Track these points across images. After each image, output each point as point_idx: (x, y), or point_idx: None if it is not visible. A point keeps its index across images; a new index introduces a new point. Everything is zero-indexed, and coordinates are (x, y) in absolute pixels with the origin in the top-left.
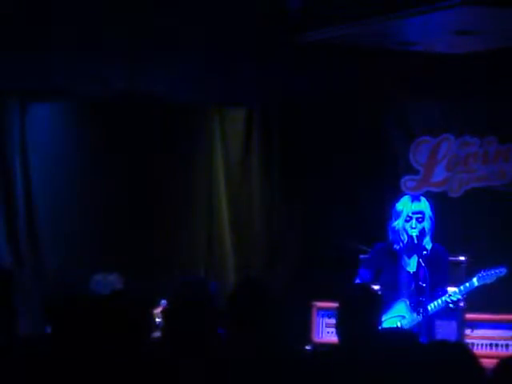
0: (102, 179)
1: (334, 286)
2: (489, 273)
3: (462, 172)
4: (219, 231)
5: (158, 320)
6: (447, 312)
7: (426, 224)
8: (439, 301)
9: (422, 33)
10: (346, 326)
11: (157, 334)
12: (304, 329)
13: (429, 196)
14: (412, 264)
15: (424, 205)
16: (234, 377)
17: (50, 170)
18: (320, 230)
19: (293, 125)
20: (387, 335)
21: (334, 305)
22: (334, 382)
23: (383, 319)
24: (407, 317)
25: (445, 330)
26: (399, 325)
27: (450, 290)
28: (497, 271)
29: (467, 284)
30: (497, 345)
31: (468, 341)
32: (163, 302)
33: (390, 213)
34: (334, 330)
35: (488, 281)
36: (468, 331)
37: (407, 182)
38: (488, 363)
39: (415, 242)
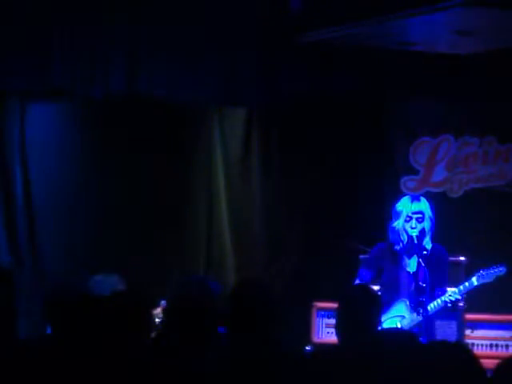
0: (101, 179)
1: (334, 286)
2: (488, 272)
3: (461, 172)
4: (219, 231)
5: (157, 320)
6: (447, 312)
7: (426, 224)
8: (438, 301)
9: (423, 33)
10: (345, 326)
11: (157, 334)
12: (304, 329)
13: (428, 196)
14: (412, 264)
15: (424, 205)
16: (234, 377)
17: (50, 170)
18: (320, 230)
19: (292, 125)
20: (387, 335)
21: (334, 305)
22: (333, 383)
23: (383, 319)
24: (407, 317)
25: (445, 331)
26: (399, 325)
27: (450, 289)
28: (496, 270)
29: (467, 283)
30: (497, 345)
31: (468, 341)
32: (163, 302)
33: (389, 213)
34: (333, 330)
35: (487, 280)
36: (468, 331)
37: (407, 182)
38: (488, 364)
39: (415, 242)
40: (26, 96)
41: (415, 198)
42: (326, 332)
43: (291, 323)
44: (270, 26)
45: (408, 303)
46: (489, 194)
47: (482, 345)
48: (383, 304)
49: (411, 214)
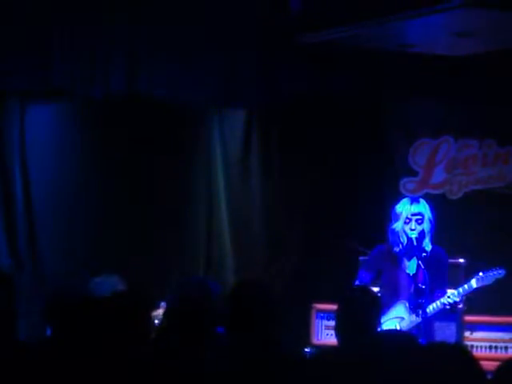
0: (101, 179)
1: (334, 286)
2: (487, 274)
3: (461, 174)
4: (219, 231)
5: (156, 322)
6: (446, 314)
7: (426, 226)
8: (438, 302)
9: (422, 35)
10: (345, 327)
11: (157, 334)
12: (303, 331)
13: (428, 198)
14: (411, 266)
15: (423, 207)
16: (234, 377)
17: (50, 171)
18: (320, 231)
19: (292, 125)
20: (386, 337)
21: (334, 307)
22: None
23: (382, 321)
24: (406, 318)
25: (444, 332)
26: (398, 327)
27: (449, 291)
28: (495, 273)
29: (466, 286)
30: (496, 347)
31: (467, 343)
32: (162, 303)
33: (389, 215)
34: (333, 332)
35: (487, 282)
36: (467, 333)
37: (406, 183)
38: (487, 365)
39: (414, 244)
40: (26, 96)
41: (415, 200)
42: (325, 334)
43: (291, 324)
44: (269, 26)
45: (407, 305)
46: (488, 195)
47: (481, 347)
48: (383, 306)
49: (411, 216)
